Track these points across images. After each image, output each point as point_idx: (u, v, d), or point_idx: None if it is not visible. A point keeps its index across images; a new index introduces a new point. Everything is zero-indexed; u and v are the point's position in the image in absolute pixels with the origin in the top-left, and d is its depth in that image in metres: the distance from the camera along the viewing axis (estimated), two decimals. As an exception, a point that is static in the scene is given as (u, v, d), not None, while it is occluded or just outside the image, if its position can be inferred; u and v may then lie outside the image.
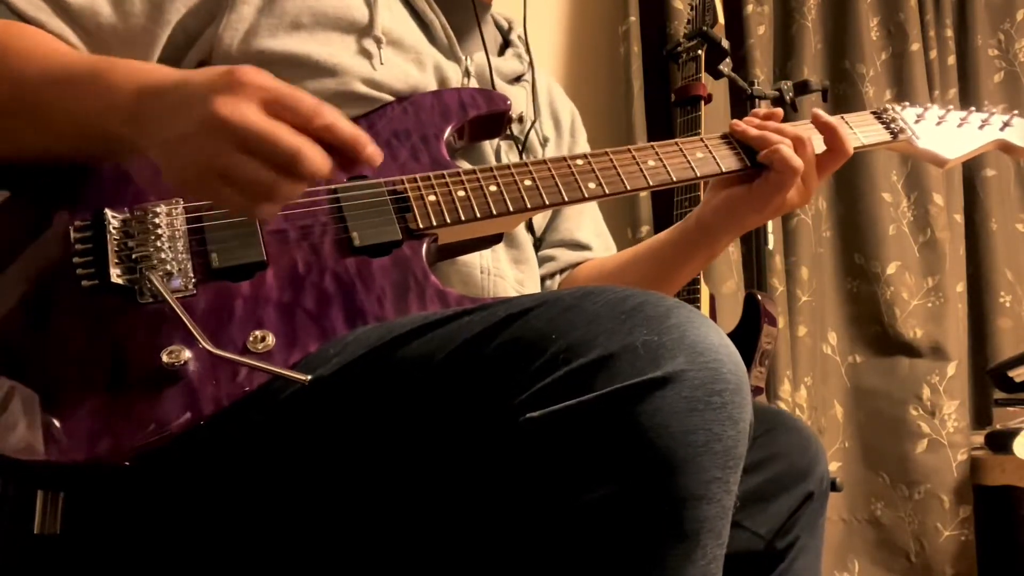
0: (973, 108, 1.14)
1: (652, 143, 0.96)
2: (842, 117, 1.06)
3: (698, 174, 0.95)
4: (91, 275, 0.73)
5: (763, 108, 2.03)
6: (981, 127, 1.13)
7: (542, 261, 1.12)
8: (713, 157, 0.97)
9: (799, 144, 0.97)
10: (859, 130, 1.06)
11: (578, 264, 1.15)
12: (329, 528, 0.70)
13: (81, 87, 0.73)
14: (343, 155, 0.68)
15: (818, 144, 1.01)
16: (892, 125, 1.09)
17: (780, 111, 1.02)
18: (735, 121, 1.00)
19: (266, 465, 0.70)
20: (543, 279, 1.11)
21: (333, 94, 0.87)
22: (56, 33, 0.82)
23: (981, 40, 2.63)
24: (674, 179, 0.94)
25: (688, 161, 0.96)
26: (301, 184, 0.66)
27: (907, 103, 1.13)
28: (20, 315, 0.72)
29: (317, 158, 0.65)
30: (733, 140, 1.00)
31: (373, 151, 0.69)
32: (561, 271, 1.14)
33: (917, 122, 1.10)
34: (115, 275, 0.73)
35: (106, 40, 0.84)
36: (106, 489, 0.70)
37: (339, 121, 0.67)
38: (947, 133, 1.11)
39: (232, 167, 0.64)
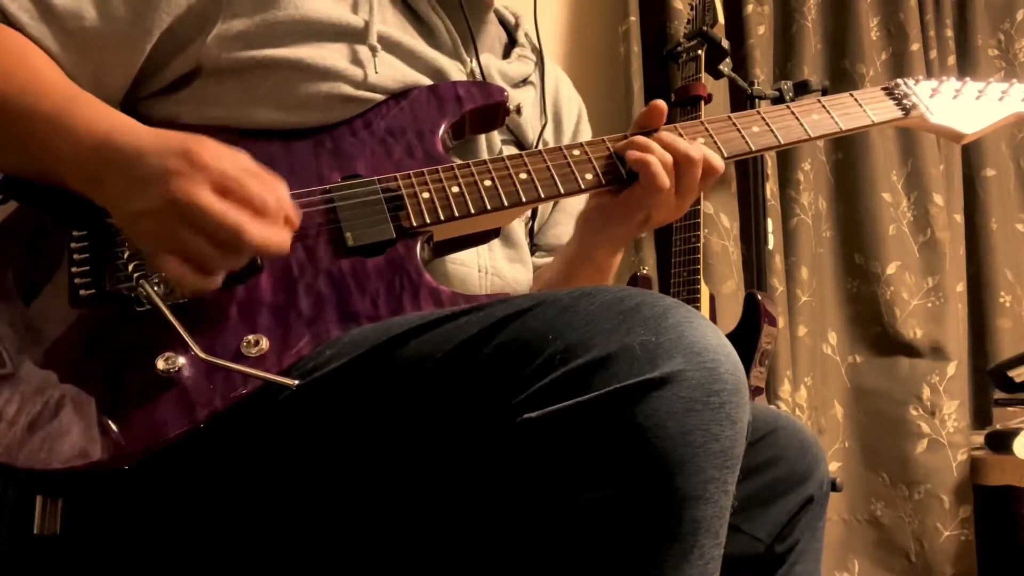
0: (992, 80, 1.09)
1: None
2: (851, 94, 1.02)
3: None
4: (88, 284, 0.74)
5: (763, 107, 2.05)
6: (1001, 99, 1.07)
7: None
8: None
9: (683, 159, 0.88)
10: (869, 107, 1.01)
11: None
12: (328, 528, 0.70)
13: (42, 125, 0.75)
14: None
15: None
16: (904, 101, 1.04)
17: (663, 106, 0.92)
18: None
19: (264, 466, 0.70)
20: None
21: (326, 97, 0.86)
22: (34, 37, 0.81)
23: (981, 40, 2.63)
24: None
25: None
26: (241, 257, 0.72)
27: (921, 77, 1.08)
28: (20, 325, 0.72)
29: (257, 235, 0.70)
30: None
31: None
32: None
33: (932, 96, 1.05)
34: (112, 285, 0.73)
35: (87, 43, 0.83)
36: (104, 493, 0.70)
37: (291, 212, 0.73)
38: (964, 106, 1.06)
39: (183, 243, 0.69)
